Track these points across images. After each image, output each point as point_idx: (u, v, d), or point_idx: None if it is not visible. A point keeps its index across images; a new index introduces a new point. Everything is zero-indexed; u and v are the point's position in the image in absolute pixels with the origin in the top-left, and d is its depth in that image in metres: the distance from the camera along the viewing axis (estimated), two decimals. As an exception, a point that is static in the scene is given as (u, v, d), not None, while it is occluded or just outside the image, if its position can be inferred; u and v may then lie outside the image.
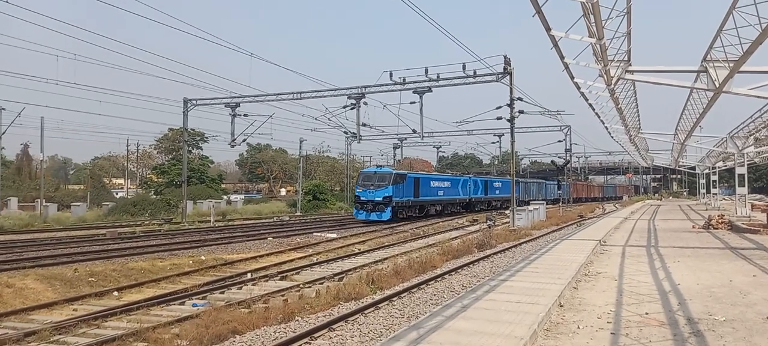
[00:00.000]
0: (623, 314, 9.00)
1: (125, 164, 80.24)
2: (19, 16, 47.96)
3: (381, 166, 39.13)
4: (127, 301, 11.80)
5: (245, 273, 15.41)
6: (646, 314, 8.94)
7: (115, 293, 12.74)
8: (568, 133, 50.11)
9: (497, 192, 55.26)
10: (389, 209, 33.99)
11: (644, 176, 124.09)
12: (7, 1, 17.70)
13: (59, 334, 9.28)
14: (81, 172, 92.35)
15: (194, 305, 11.51)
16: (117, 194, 67.47)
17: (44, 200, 41.58)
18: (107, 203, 45.59)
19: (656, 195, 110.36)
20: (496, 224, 32.86)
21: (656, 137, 44.09)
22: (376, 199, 34.24)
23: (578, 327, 8.20)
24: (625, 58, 16.06)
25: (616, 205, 74.76)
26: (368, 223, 34.60)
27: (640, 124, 35.58)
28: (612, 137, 41.40)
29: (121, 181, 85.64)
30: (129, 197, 55.92)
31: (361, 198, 35.12)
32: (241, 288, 13.54)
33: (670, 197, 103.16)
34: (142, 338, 8.85)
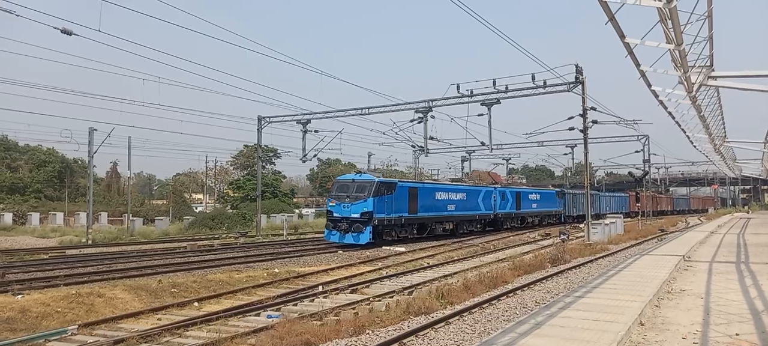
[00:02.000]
0: (711, 334, 8.48)
1: (204, 180, 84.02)
2: (110, 44, 51.64)
3: (361, 172, 30.00)
4: (206, 311, 12.31)
5: (317, 286, 15.70)
6: (737, 335, 8.38)
7: (196, 304, 13.32)
8: (646, 143, 47.93)
9: (533, 206, 46.47)
10: (368, 229, 26.62)
11: (731, 188, 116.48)
12: (99, 30, 19.08)
13: (145, 342, 9.80)
14: (163, 187, 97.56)
15: (269, 317, 11.84)
16: (196, 208, 70.69)
17: (131, 215, 44.19)
18: (187, 217, 47.86)
19: (745, 207, 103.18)
20: (570, 238, 31.84)
21: (744, 146, 41.28)
22: (352, 216, 26.90)
23: (661, 347, 7.79)
24: (708, 64, 15.21)
25: (701, 218, 70.63)
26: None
27: (725, 132, 33.46)
28: (695, 147, 39.18)
29: (200, 196, 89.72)
30: (207, 211, 58.50)
31: (334, 214, 27.73)
32: (313, 300, 13.80)
33: None
34: (220, 347, 9.20)
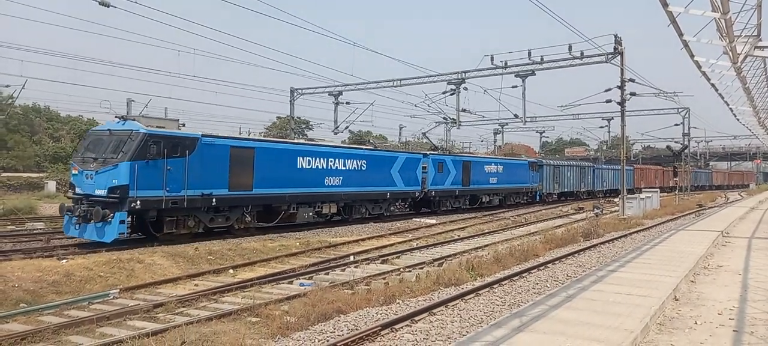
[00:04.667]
0: (748, 310, 8.31)
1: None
2: (146, 16, 52.36)
3: (125, 118, 17.43)
4: (241, 279, 12.63)
5: (348, 256, 15.92)
6: (776, 312, 8.19)
7: (231, 271, 13.67)
8: (687, 116, 46.58)
9: (491, 180, 35.27)
10: (118, 216, 15.61)
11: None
12: (136, 1, 19.33)
13: (183, 306, 10.14)
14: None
15: (301, 285, 12.09)
16: (230, 178, 71.65)
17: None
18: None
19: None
20: (604, 212, 31.42)
21: (791, 119, 39.71)
22: (96, 193, 15.96)
23: (696, 323, 7.69)
24: (755, 33, 14.60)
25: (742, 193, 68.67)
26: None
27: (771, 105, 32.25)
28: (737, 120, 37.92)
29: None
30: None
31: (76, 189, 16.76)
32: (344, 270, 14.00)
33: None
34: (255, 313, 9.45)
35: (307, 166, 22.04)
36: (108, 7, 19.09)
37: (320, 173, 22.61)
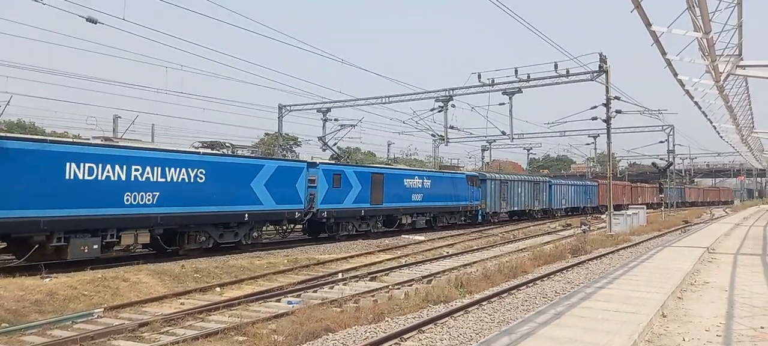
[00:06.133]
0: (735, 327, 8.37)
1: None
2: (134, 32, 52.31)
3: None
4: (228, 297, 12.49)
5: (337, 273, 15.83)
6: (762, 328, 8.26)
7: (218, 289, 13.53)
8: (671, 133, 47.18)
9: (415, 197, 28.96)
10: None
11: (759, 179, 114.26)
12: (124, 19, 19.30)
13: (169, 326, 9.99)
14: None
15: (289, 303, 11.98)
16: (217, 195, 71.01)
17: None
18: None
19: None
20: (592, 229, 31.61)
21: (773, 137, 40.34)
22: None
23: (684, 339, 7.72)
24: (736, 52, 14.88)
25: (727, 210, 69.51)
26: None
27: (753, 122, 32.77)
28: (721, 137, 38.44)
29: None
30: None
31: None
32: (332, 287, 13.92)
33: None
34: (242, 332, 9.34)
35: (89, 177, 15.17)
36: (95, 23, 19.02)
37: (115, 186, 15.77)
